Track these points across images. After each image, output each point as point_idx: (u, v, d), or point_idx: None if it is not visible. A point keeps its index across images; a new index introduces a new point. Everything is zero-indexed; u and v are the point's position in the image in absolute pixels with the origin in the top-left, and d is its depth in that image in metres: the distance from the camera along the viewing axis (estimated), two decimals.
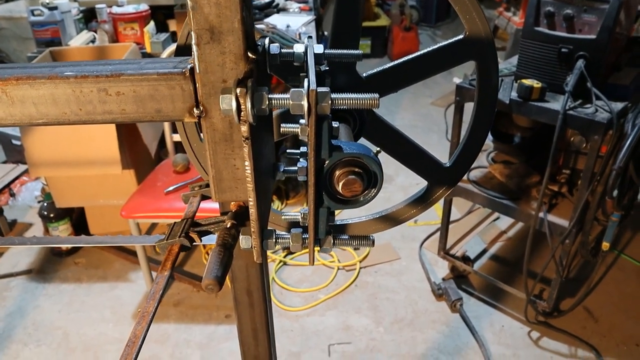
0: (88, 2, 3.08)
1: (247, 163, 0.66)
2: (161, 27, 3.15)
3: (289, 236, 0.74)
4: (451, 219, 2.91)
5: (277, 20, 3.07)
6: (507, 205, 2.24)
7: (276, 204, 3.19)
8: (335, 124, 0.65)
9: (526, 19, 2.10)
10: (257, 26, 2.84)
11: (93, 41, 2.86)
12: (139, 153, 2.65)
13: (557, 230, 2.12)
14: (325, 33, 3.88)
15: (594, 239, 2.33)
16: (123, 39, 2.85)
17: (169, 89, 0.73)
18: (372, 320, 2.45)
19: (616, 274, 2.72)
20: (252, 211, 0.69)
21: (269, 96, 0.64)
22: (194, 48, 0.69)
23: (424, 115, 4.47)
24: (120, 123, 0.76)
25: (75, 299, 2.60)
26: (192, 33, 0.68)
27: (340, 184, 0.66)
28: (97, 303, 2.58)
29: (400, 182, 3.43)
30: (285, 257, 2.79)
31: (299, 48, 0.78)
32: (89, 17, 3.06)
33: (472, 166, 2.44)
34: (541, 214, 2.13)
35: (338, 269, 2.74)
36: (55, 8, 2.77)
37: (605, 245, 2.18)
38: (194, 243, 0.84)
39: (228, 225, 0.81)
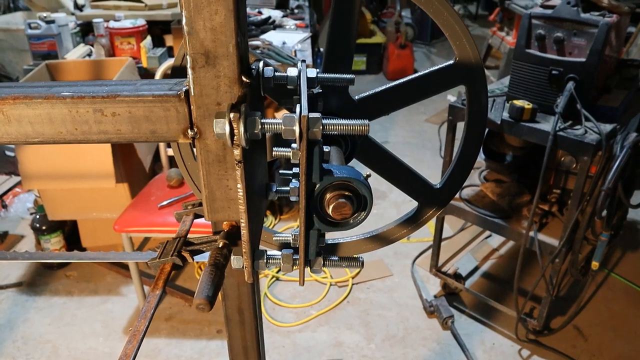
0: (85, 16, 3.10)
1: (239, 186, 0.67)
2: (158, 42, 3.18)
3: (280, 257, 0.75)
4: (444, 236, 2.92)
5: (273, 37, 3.10)
6: (498, 223, 2.26)
7: (270, 219, 3.20)
8: (326, 149, 0.67)
9: (518, 41, 2.14)
10: (253, 42, 2.87)
11: (90, 55, 2.88)
12: (133, 167, 2.65)
13: (547, 250, 2.14)
14: (321, 49, 3.92)
15: (583, 258, 2.35)
16: (119, 53, 2.87)
17: (164, 111, 0.74)
18: (363, 337, 2.45)
19: (606, 293, 2.73)
20: (244, 232, 0.71)
21: (262, 121, 0.65)
22: (189, 71, 0.71)
23: (418, 132, 4.51)
24: (116, 143, 0.77)
25: (66, 312, 2.59)
26: (188, 57, 0.70)
27: (331, 207, 0.67)
28: (88, 317, 2.57)
29: (393, 199, 3.45)
30: (277, 272, 2.79)
31: (292, 72, 0.80)
32: (85, 31, 3.09)
33: (464, 184, 2.46)
34: (531, 233, 2.15)
35: (330, 285, 2.74)
36: (53, 22, 2.80)
37: (595, 264, 2.20)
38: (186, 262, 0.85)
39: (220, 245, 0.83)
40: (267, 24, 3.38)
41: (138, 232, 2.33)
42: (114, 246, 2.87)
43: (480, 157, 2.42)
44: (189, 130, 0.75)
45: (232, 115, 0.64)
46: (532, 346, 2.40)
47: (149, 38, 2.91)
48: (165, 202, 2.37)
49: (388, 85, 0.93)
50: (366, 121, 0.64)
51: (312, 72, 0.81)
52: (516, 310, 2.29)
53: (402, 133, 4.49)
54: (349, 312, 2.58)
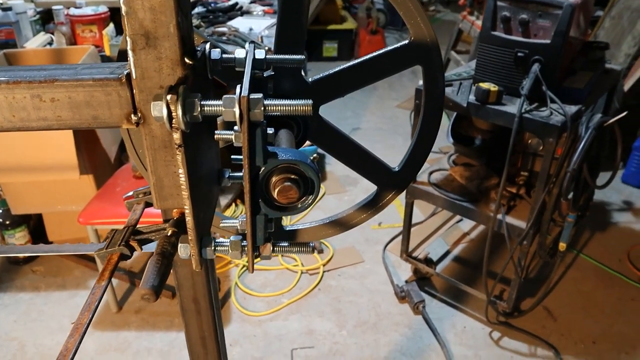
0: (45, 3, 3.00)
1: (181, 171, 0.65)
2: (121, 30, 3.09)
3: (228, 244, 0.73)
4: (415, 221, 2.93)
5: (240, 23, 3.05)
6: (466, 207, 2.27)
7: (240, 208, 3.17)
8: (270, 130, 0.65)
9: (483, 23, 2.13)
10: (219, 29, 2.82)
11: (50, 43, 2.80)
12: (97, 157, 2.59)
13: (515, 232, 2.15)
14: None
15: (552, 239, 2.37)
16: (81, 42, 2.79)
17: (105, 95, 0.71)
18: (335, 324, 2.44)
19: (575, 274, 2.77)
20: (189, 219, 0.68)
21: (202, 103, 0.63)
22: (130, 54, 0.68)
23: (390, 118, 4.50)
24: (57, 129, 0.74)
25: (33, 308, 2.53)
26: (127, 38, 0.67)
27: (276, 190, 0.65)
28: (56, 312, 2.52)
29: (364, 185, 3.44)
30: (234, 259, 2.77)
31: (240, 53, 0.77)
32: (46, 19, 2.99)
33: (433, 169, 2.47)
34: (499, 216, 2.16)
35: (302, 272, 2.73)
36: (10, 9, 2.70)
37: (562, 245, 2.22)
38: (135, 252, 0.82)
39: (169, 233, 0.80)
40: (235, 10, 3.32)
41: (104, 224, 2.28)
42: (81, 239, 2.81)
43: (449, 141, 2.42)
44: (132, 115, 0.72)
45: (169, 97, 0.61)
46: (503, 328, 2.43)
47: (111, 25, 2.83)
48: (130, 193, 2.31)
49: (342, 67, 0.91)
50: (309, 101, 0.62)
51: (261, 54, 0.78)
52: (486, 293, 2.31)
53: (373, 119, 4.48)
54: (321, 300, 2.58)
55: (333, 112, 4.47)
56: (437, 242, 2.93)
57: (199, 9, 3.31)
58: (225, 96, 0.62)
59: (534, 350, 2.34)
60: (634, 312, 2.54)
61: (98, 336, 2.38)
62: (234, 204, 3.16)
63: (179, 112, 0.61)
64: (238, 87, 0.62)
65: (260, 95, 0.61)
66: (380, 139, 4.12)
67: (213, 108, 0.63)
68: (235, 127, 0.63)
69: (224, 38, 2.77)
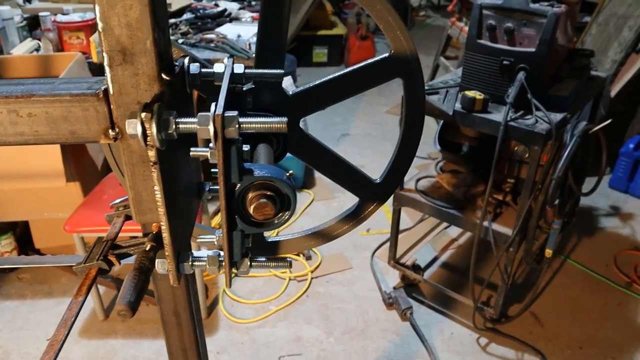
0: (32, 10, 2.99)
1: (156, 187, 0.65)
2: None
3: (205, 258, 0.73)
4: (403, 227, 2.94)
5: (228, 30, 3.05)
6: (453, 214, 2.28)
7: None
8: (246, 147, 0.65)
9: (469, 31, 2.14)
10: (207, 36, 2.82)
11: (37, 50, 2.79)
12: (84, 165, 2.58)
13: (502, 239, 2.16)
14: None
15: (539, 246, 2.39)
16: (68, 48, 2.78)
17: (82, 111, 0.72)
18: (323, 331, 2.44)
19: (562, 279, 2.79)
20: (165, 235, 0.68)
21: (177, 120, 0.63)
22: (107, 69, 0.68)
23: (379, 124, 4.52)
24: (34, 144, 0.73)
25: (19, 317, 2.51)
26: (104, 54, 0.67)
27: (252, 207, 0.65)
28: (42, 320, 2.50)
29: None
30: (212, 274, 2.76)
31: (218, 68, 0.77)
32: (33, 25, 2.98)
33: (420, 176, 2.48)
34: (486, 223, 2.17)
35: (290, 279, 2.73)
36: None
37: (548, 252, 2.24)
38: (113, 266, 0.82)
39: (147, 248, 0.80)
40: (223, 17, 3.32)
41: (90, 232, 2.26)
42: (68, 247, 2.79)
43: (436, 148, 2.43)
44: (110, 130, 0.72)
45: (143, 115, 0.61)
46: (490, 334, 2.44)
47: None
48: (118, 201, 2.30)
49: (322, 80, 0.92)
50: (284, 119, 0.63)
51: (240, 68, 0.78)
52: (473, 299, 2.31)
53: (363, 125, 4.49)
54: (309, 307, 2.58)
55: (322, 119, 4.48)
56: (425, 248, 2.94)
57: (187, 16, 3.31)
58: (200, 114, 0.62)
59: (521, 356, 2.35)
60: (620, 317, 2.56)
61: (85, 344, 2.37)
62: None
63: (154, 130, 0.61)
64: (213, 104, 0.62)
65: (235, 113, 0.61)
66: (370, 145, 4.13)
67: (188, 126, 0.63)
68: (211, 144, 0.63)
69: (212, 45, 2.77)
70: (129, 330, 2.44)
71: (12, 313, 2.54)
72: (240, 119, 0.61)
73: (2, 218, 2.60)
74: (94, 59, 2.71)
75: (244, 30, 3.01)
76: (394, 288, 2.67)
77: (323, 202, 3.37)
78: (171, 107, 0.67)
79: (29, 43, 2.79)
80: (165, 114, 0.63)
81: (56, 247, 2.81)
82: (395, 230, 2.52)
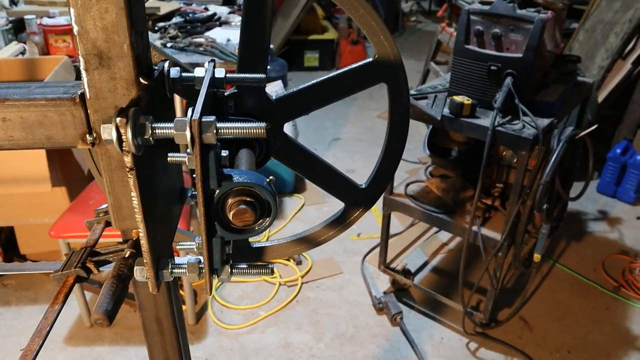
0: (17, 12, 2.96)
1: (133, 194, 0.63)
2: None
3: (185, 265, 0.72)
4: (394, 231, 2.94)
5: (218, 34, 3.04)
6: (442, 219, 2.28)
7: None
8: (224, 153, 0.64)
9: (457, 36, 2.15)
10: (196, 40, 2.80)
11: (23, 53, 2.76)
12: (70, 170, 2.55)
13: (490, 243, 2.16)
14: (272, 46, 3.87)
15: (527, 251, 2.39)
16: (54, 52, 2.76)
17: (58, 115, 0.70)
18: (312, 337, 2.43)
19: (551, 284, 2.80)
20: (143, 242, 0.67)
21: (153, 125, 0.62)
22: (83, 74, 0.67)
23: (369, 129, 4.52)
24: (9, 150, 0.72)
25: (3, 324, 2.48)
26: (80, 58, 0.66)
27: (231, 213, 0.64)
28: (27, 327, 2.47)
29: None
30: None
31: (199, 72, 0.76)
32: (19, 28, 2.95)
33: (410, 180, 2.47)
34: (475, 228, 2.17)
35: (280, 284, 2.71)
36: None
37: (537, 257, 2.24)
38: (92, 273, 0.80)
39: (127, 255, 0.79)
40: (213, 21, 3.31)
41: (76, 238, 2.24)
42: (55, 252, 2.76)
43: (425, 153, 2.43)
44: (87, 136, 0.71)
45: (118, 120, 0.60)
46: (480, 339, 2.44)
47: None
48: (104, 206, 2.28)
49: (305, 85, 0.91)
50: (262, 124, 0.62)
51: (221, 72, 0.77)
52: (462, 304, 2.31)
53: (353, 129, 4.49)
54: (298, 312, 2.56)
55: (313, 123, 4.48)
56: (415, 252, 2.94)
57: (176, 19, 3.30)
58: (176, 119, 0.61)
59: None
60: (608, 322, 2.56)
61: (70, 351, 2.34)
62: None
63: (129, 135, 0.59)
64: (190, 109, 0.61)
65: (212, 118, 0.60)
66: (360, 149, 4.12)
67: (165, 131, 0.62)
68: (189, 150, 0.62)
69: (201, 49, 2.76)
70: (115, 336, 2.41)
71: None
72: (218, 124, 0.60)
73: None
74: None
75: (233, 35, 3.00)
76: (384, 293, 2.66)
77: (314, 206, 3.36)
78: (149, 112, 0.66)
79: (14, 46, 2.77)
80: (141, 118, 0.62)
81: (42, 253, 2.77)
82: (386, 235, 2.52)
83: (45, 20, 2.73)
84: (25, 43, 2.78)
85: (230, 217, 0.65)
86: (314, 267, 2.84)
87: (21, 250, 2.77)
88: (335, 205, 3.35)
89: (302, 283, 2.74)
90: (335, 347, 2.38)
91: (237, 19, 3.41)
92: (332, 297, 2.66)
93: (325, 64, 5.84)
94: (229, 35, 3.00)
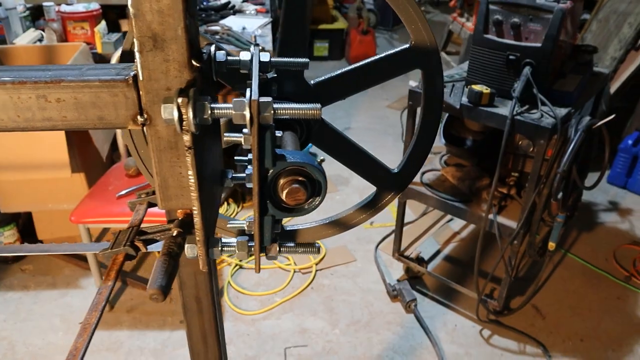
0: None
1: (190, 172, 0.65)
2: (113, 27, 3.08)
3: (235, 244, 0.74)
4: (406, 220, 2.95)
5: (232, 22, 3.05)
6: (458, 207, 2.29)
7: (232, 207, 3.17)
8: (278, 133, 0.66)
9: (476, 26, 2.15)
10: (212, 28, 2.82)
11: (41, 40, 2.78)
12: (89, 156, 2.58)
13: (506, 232, 2.18)
14: None
15: (541, 239, 2.41)
16: (73, 39, 2.78)
17: (111, 97, 0.72)
18: (328, 323, 2.46)
19: (563, 273, 2.82)
20: (197, 220, 0.69)
21: (212, 105, 0.64)
22: (137, 55, 0.68)
23: (380, 118, 4.53)
24: (62, 130, 0.74)
25: (22, 308, 2.52)
26: (135, 40, 0.67)
27: (284, 192, 0.66)
28: (46, 311, 2.51)
29: (355, 184, 3.46)
30: (241, 260, 2.77)
31: (244, 56, 0.78)
32: (36, 15, 2.96)
33: (425, 169, 2.49)
34: (491, 216, 2.19)
35: (294, 271, 2.74)
36: None
37: (551, 245, 2.26)
38: (140, 252, 0.83)
39: (174, 234, 0.81)
40: (227, 9, 3.32)
41: (95, 223, 2.27)
42: (71, 238, 2.80)
43: (441, 142, 2.45)
44: (138, 117, 0.73)
45: (180, 100, 0.62)
46: (493, 326, 2.46)
47: (103, 23, 2.82)
48: (123, 192, 2.32)
49: (344, 70, 0.93)
50: (318, 105, 0.64)
51: (266, 56, 0.79)
52: (477, 291, 2.34)
53: (364, 119, 4.50)
54: (313, 299, 2.59)
55: (325, 112, 4.42)
56: (428, 241, 2.96)
57: None
58: (235, 99, 0.63)
59: (524, 348, 2.37)
60: (619, 310, 2.59)
61: None
62: (225, 203, 3.17)
63: (190, 114, 0.61)
64: (248, 90, 0.63)
65: (269, 99, 0.62)
66: (371, 139, 4.14)
67: (223, 111, 0.64)
68: (245, 130, 0.64)
69: (217, 37, 2.77)
70: (134, 321, 2.45)
71: (16, 304, 2.54)
72: (275, 105, 0.62)
73: (6, 209, 2.60)
74: (99, 49, 2.71)
75: (248, 23, 3.01)
76: (398, 280, 2.69)
77: (327, 195, 3.38)
78: (203, 93, 0.68)
79: (32, 33, 2.78)
80: (200, 99, 0.63)
81: (59, 239, 2.81)
82: (401, 223, 2.54)
83: (64, 7, 2.74)
84: (43, 30, 2.79)
85: (283, 196, 0.67)
86: (327, 255, 2.87)
87: (39, 235, 2.81)
88: (347, 194, 3.39)
89: (317, 270, 2.76)
90: (350, 333, 2.41)
91: (251, 8, 3.42)
92: (347, 285, 2.69)
93: (335, 53, 5.84)
94: (244, 24, 3.01)
